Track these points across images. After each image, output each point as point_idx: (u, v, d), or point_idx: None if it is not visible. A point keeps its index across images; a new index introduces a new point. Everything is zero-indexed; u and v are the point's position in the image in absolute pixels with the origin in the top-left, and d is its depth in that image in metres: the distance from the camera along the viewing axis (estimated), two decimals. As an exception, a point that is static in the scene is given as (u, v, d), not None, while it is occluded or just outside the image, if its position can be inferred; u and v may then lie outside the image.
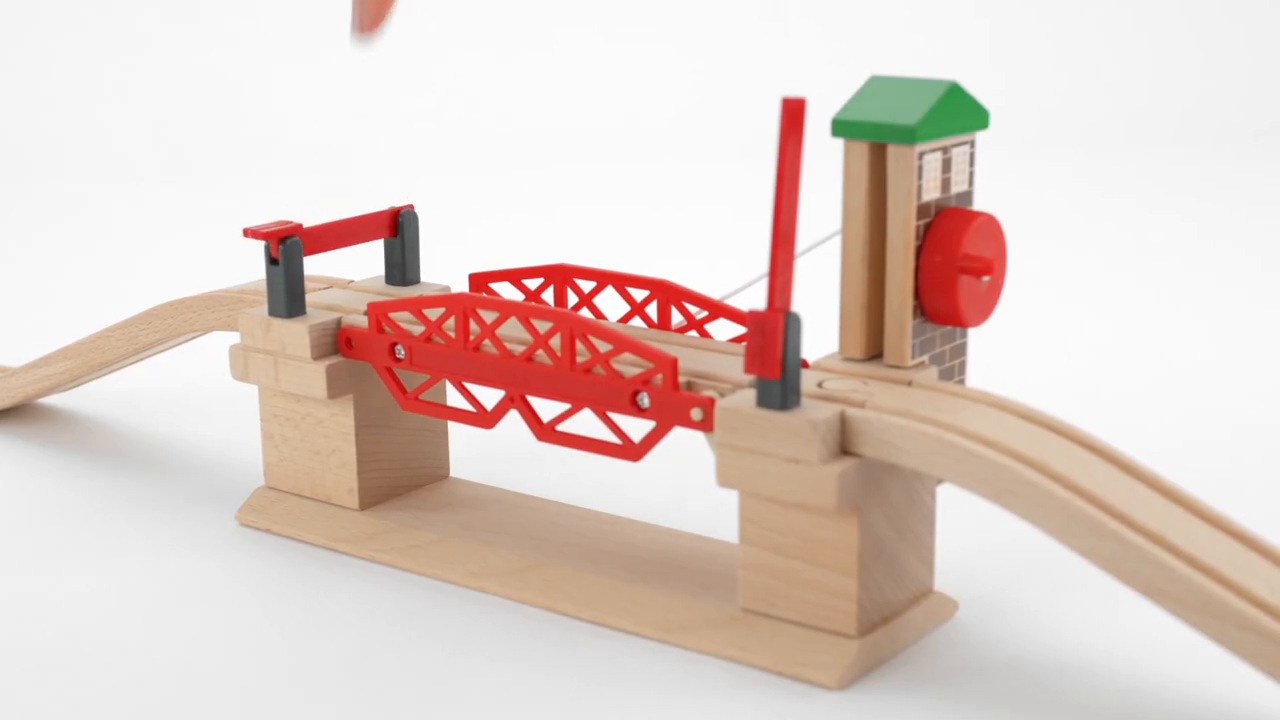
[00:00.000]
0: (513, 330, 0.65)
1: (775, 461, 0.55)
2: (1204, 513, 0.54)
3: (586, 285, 1.21)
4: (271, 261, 0.67)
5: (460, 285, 0.90)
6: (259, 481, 0.76)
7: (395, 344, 0.65)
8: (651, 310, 0.78)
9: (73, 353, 0.80)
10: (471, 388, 0.85)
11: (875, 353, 0.60)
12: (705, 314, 0.65)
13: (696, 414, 0.57)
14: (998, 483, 0.52)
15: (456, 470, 0.76)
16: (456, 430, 0.81)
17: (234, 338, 0.96)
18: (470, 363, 0.63)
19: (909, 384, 0.58)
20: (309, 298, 0.70)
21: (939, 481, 0.60)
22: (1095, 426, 0.81)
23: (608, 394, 0.60)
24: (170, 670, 0.58)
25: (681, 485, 0.75)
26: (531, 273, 0.68)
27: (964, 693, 0.56)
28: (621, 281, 0.66)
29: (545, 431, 0.63)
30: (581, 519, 0.68)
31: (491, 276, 0.69)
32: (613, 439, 0.64)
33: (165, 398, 0.89)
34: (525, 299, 0.68)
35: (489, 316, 0.65)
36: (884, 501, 0.57)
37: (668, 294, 0.65)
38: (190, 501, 0.74)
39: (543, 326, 0.66)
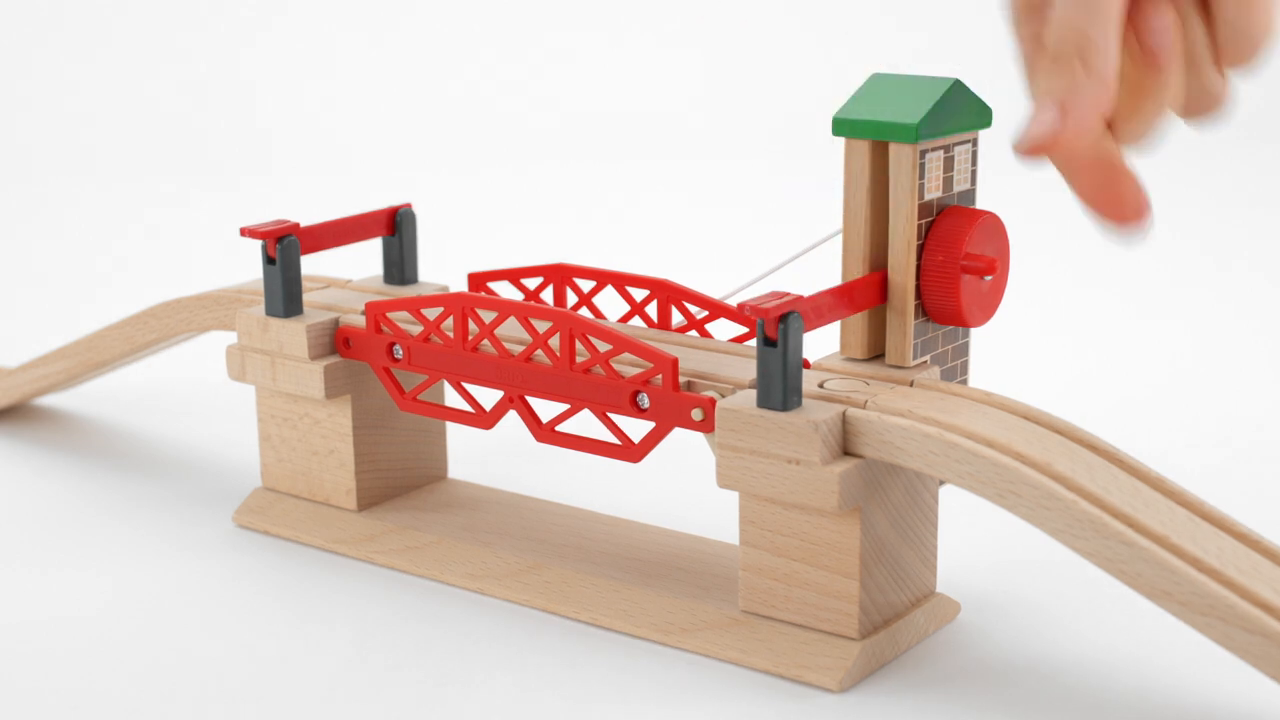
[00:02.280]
0: (512, 330, 0.64)
1: (776, 462, 0.55)
2: (1208, 514, 0.54)
3: (586, 285, 1.20)
4: (269, 260, 0.66)
5: (459, 285, 0.89)
6: (256, 482, 0.75)
7: (393, 344, 0.65)
8: (651, 310, 0.78)
9: (69, 352, 0.79)
10: (470, 388, 0.85)
11: (877, 353, 0.59)
12: (705, 314, 0.65)
13: (697, 414, 0.57)
14: (1000, 484, 0.52)
15: (455, 471, 0.75)
16: (455, 431, 0.81)
17: (231, 337, 0.96)
18: (469, 363, 0.63)
19: (911, 384, 0.57)
20: (306, 297, 0.69)
21: (941, 482, 0.60)
22: (1098, 427, 0.81)
23: (607, 394, 0.59)
24: (167, 671, 0.58)
25: (681, 486, 0.74)
26: (531, 272, 0.68)
27: (966, 695, 0.55)
28: (621, 281, 0.66)
29: (544, 432, 0.62)
30: (581, 520, 0.68)
31: (490, 276, 0.69)
32: (612, 439, 0.64)
33: (162, 398, 0.89)
34: (524, 298, 0.68)
35: (488, 316, 0.65)
36: (886, 502, 0.56)
37: (668, 294, 0.65)
38: (187, 502, 0.73)
39: (542, 326, 0.65)
